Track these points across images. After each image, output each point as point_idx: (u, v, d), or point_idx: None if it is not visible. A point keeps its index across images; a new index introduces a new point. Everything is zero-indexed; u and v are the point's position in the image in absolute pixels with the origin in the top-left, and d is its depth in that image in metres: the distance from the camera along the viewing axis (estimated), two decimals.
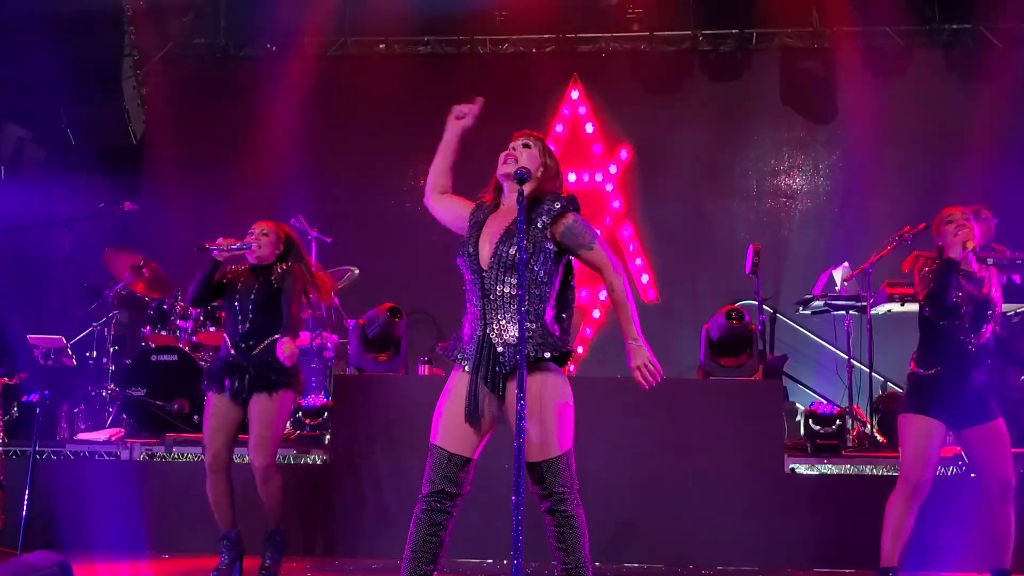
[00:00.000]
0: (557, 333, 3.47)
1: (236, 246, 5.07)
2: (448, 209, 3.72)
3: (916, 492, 4.55)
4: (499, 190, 3.65)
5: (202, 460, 5.14)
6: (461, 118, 3.73)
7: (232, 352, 5.05)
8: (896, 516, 4.58)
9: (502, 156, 3.61)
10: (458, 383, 3.47)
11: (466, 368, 3.44)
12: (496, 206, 3.62)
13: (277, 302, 5.07)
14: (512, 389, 3.28)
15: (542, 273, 3.44)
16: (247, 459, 5.14)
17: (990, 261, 4.84)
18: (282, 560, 5.15)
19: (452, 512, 3.41)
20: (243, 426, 5.13)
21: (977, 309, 4.55)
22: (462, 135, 3.75)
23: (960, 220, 4.55)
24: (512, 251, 3.38)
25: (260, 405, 4.98)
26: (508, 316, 3.39)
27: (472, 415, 3.40)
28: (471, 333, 3.46)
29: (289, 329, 5.01)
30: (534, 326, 3.39)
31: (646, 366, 3.42)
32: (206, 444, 5.05)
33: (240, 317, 5.07)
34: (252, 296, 5.07)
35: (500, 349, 3.38)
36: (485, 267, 3.43)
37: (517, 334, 3.29)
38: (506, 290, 3.39)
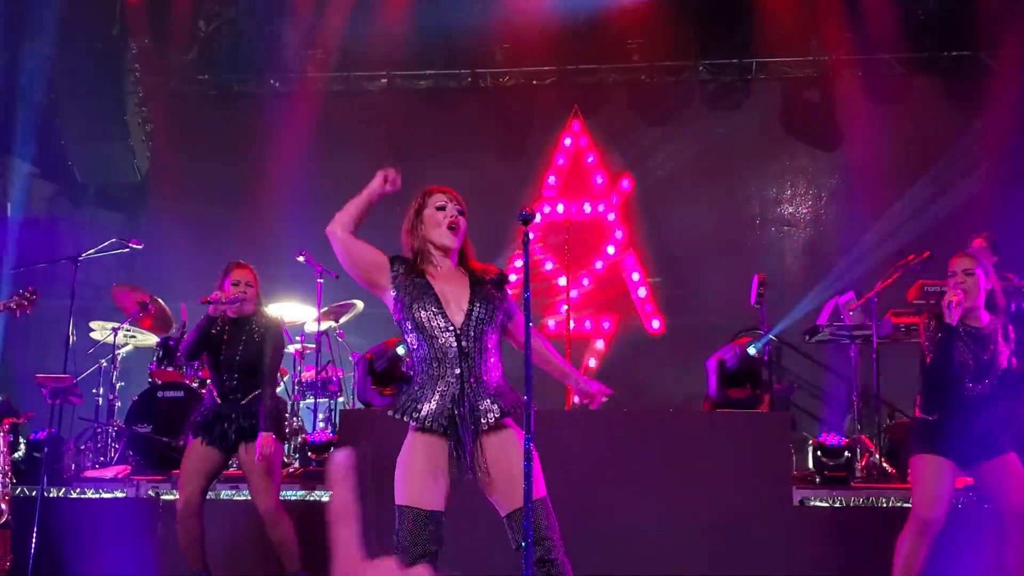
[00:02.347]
0: None
1: (229, 300, 5.08)
2: (366, 251, 3.62)
3: (927, 529, 4.54)
4: (426, 256, 3.59)
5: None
6: (390, 183, 3.70)
7: (219, 402, 5.12)
8: (906, 552, 4.56)
9: (444, 222, 3.59)
10: (424, 445, 3.42)
11: (434, 427, 3.38)
12: (423, 269, 3.57)
13: (261, 357, 5.13)
14: (494, 441, 3.35)
15: (500, 332, 3.52)
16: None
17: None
18: None
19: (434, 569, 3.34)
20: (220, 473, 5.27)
21: (980, 365, 4.55)
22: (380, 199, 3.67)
23: (959, 277, 4.53)
24: (486, 310, 3.44)
25: (252, 453, 4.99)
26: (486, 370, 3.42)
27: (458, 472, 3.37)
28: (443, 393, 3.39)
29: (269, 384, 5.05)
30: (500, 376, 3.49)
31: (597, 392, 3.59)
32: (180, 487, 5.09)
33: (226, 375, 5.13)
34: (238, 356, 5.12)
35: (483, 404, 3.37)
36: (458, 326, 3.41)
37: (494, 388, 3.39)
38: (487, 345, 3.43)
